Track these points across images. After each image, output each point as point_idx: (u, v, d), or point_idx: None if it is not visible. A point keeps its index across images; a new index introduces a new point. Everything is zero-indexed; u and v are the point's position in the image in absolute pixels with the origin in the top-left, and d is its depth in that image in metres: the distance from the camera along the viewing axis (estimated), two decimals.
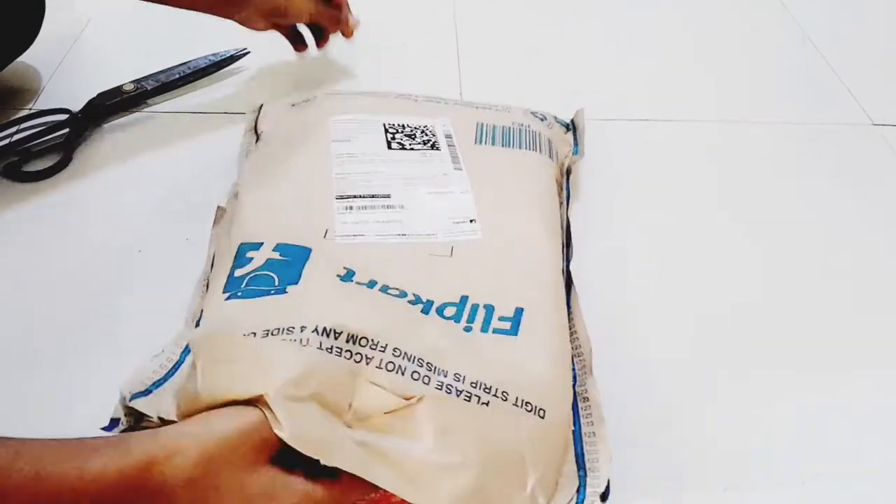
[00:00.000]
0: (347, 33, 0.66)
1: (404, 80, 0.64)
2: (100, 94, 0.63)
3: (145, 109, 0.64)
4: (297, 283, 0.42)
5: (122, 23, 0.74)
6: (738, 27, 0.83)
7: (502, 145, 0.57)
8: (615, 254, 0.56)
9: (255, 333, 0.38)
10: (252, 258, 0.44)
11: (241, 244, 0.46)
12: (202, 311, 0.45)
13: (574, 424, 0.43)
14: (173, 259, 0.51)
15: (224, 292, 0.43)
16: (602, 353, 0.45)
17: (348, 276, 0.44)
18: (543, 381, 0.43)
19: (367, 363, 0.39)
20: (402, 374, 0.39)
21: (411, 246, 0.48)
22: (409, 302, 0.44)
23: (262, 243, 0.45)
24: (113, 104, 0.62)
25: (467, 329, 0.44)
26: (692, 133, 0.68)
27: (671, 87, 0.74)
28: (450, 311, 0.45)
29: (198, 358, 0.37)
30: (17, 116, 0.60)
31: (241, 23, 0.62)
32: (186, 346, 0.42)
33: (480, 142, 0.57)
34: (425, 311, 0.44)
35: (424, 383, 0.39)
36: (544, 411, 0.41)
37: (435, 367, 0.40)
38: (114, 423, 0.38)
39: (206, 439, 0.32)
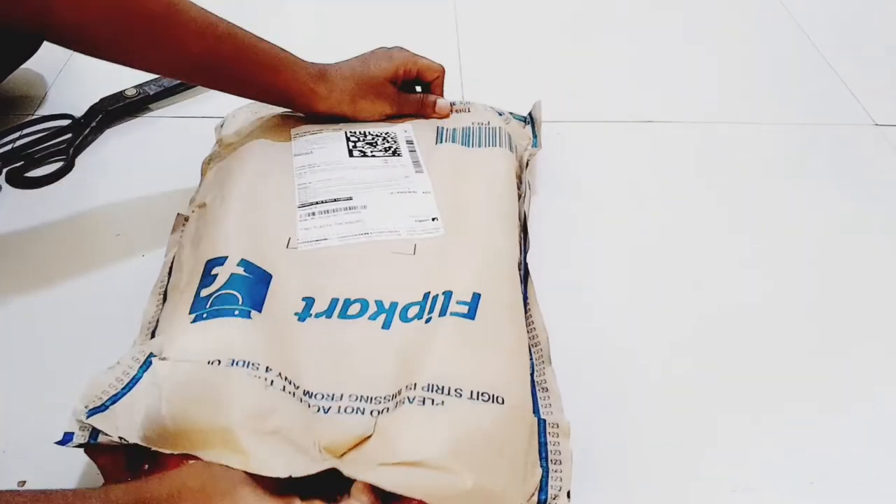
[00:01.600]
0: (436, 116, 0.62)
1: None
2: (102, 100, 0.65)
3: (148, 115, 0.67)
4: (260, 312, 0.44)
5: None
6: (738, 27, 0.84)
7: (462, 144, 0.58)
8: (609, 256, 0.57)
9: (219, 361, 0.40)
10: (216, 275, 0.46)
11: (208, 261, 0.47)
12: (158, 322, 0.47)
13: (535, 413, 0.44)
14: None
15: (190, 313, 0.44)
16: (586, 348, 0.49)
17: (306, 310, 0.46)
18: (500, 368, 0.44)
19: (327, 412, 0.41)
20: (362, 413, 0.41)
21: (375, 245, 0.50)
22: (369, 318, 0.46)
23: (226, 257, 0.47)
24: (115, 109, 0.65)
25: (428, 320, 0.46)
26: (691, 134, 0.69)
27: (671, 87, 0.75)
28: (413, 311, 0.46)
29: (163, 387, 0.39)
30: (22, 122, 0.63)
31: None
32: (145, 360, 0.42)
33: (441, 142, 0.58)
34: (386, 326, 0.46)
35: (385, 412, 0.41)
36: (503, 398, 0.42)
37: (390, 396, 0.42)
38: (68, 436, 0.39)
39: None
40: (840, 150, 0.68)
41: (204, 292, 0.45)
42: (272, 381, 0.40)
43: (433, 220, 0.52)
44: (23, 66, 0.67)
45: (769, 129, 0.70)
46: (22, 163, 0.60)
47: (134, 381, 0.41)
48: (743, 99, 0.73)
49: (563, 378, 0.46)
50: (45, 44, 0.66)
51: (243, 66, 0.53)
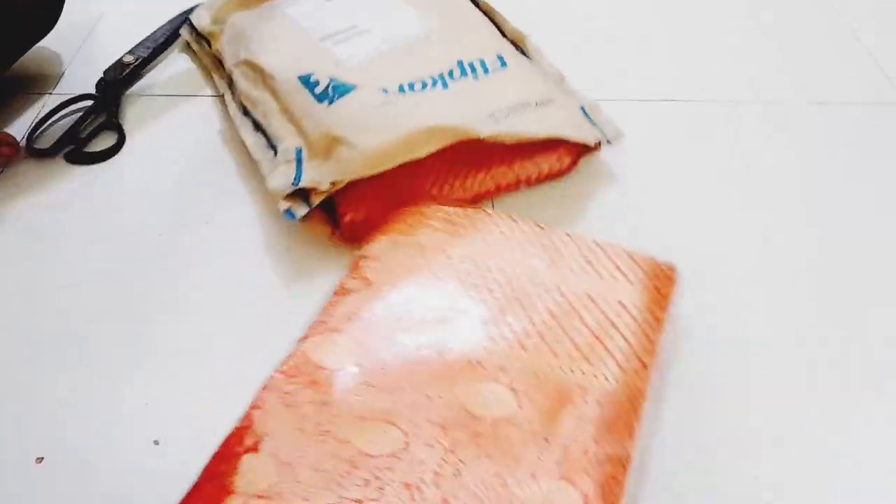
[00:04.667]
0: None
1: None
2: (106, 72, 0.71)
3: (147, 90, 0.73)
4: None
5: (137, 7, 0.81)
6: (766, 5, 0.83)
7: None
8: None
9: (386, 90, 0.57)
10: (317, 81, 0.61)
11: (299, 76, 0.62)
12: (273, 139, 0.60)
13: None
14: (234, 229, 0.58)
15: (319, 103, 0.59)
16: None
17: (389, 91, 0.61)
18: (537, 85, 0.63)
19: None
20: None
21: (401, 46, 0.66)
22: (431, 88, 0.62)
23: (313, 71, 0.61)
24: (125, 78, 0.71)
25: (475, 77, 0.64)
26: (716, 113, 0.69)
27: (694, 65, 0.74)
28: (457, 73, 0.64)
29: (344, 131, 0.54)
30: (55, 106, 0.69)
31: None
32: (296, 154, 0.58)
33: None
34: (444, 86, 0.63)
35: None
36: (551, 101, 0.61)
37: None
38: (289, 214, 0.54)
39: None
40: (869, 130, 0.68)
41: (317, 90, 0.60)
42: None
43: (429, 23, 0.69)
44: (40, 44, 0.71)
45: (796, 106, 0.70)
46: (76, 144, 0.66)
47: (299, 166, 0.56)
48: (772, 77, 0.73)
49: None
50: (62, 21, 0.70)
51: None
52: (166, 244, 0.58)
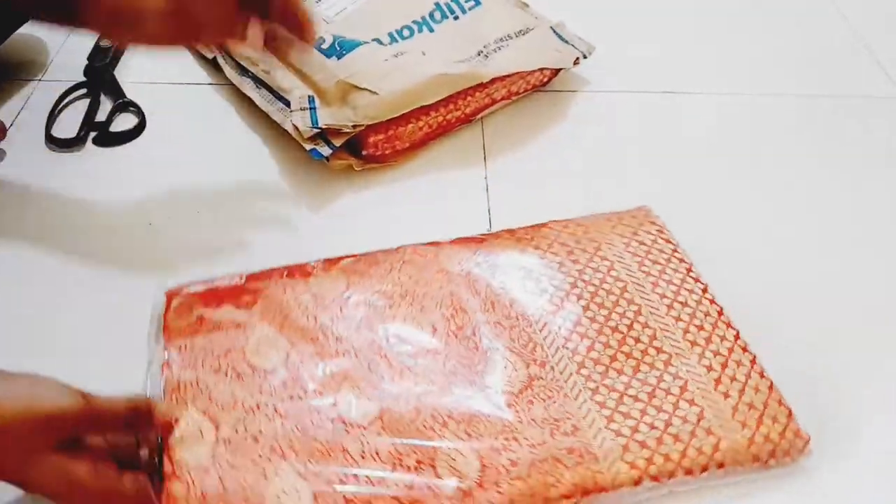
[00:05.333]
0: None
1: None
2: (90, 58, 0.74)
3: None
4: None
5: None
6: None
7: None
8: None
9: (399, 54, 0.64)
10: (323, 39, 0.67)
11: None
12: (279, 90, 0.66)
13: None
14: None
15: (328, 58, 0.66)
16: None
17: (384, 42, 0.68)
18: (512, 16, 0.71)
19: None
20: None
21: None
22: (419, 32, 0.69)
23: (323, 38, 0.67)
24: (111, 60, 0.74)
25: (454, 18, 0.71)
26: (713, 104, 0.71)
27: (692, 58, 0.76)
28: (437, 15, 0.72)
29: (362, 81, 0.62)
30: (59, 96, 0.71)
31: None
32: (309, 103, 0.64)
33: None
34: (430, 30, 0.70)
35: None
36: (528, 29, 0.70)
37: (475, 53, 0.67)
38: (316, 153, 0.61)
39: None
40: (867, 123, 0.70)
41: (324, 46, 0.66)
42: None
43: None
44: (27, 31, 0.72)
45: (794, 100, 0.72)
46: (98, 128, 0.69)
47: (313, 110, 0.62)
48: (768, 70, 0.75)
49: None
50: None
51: None
52: (209, 193, 0.64)
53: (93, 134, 0.69)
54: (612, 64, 0.74)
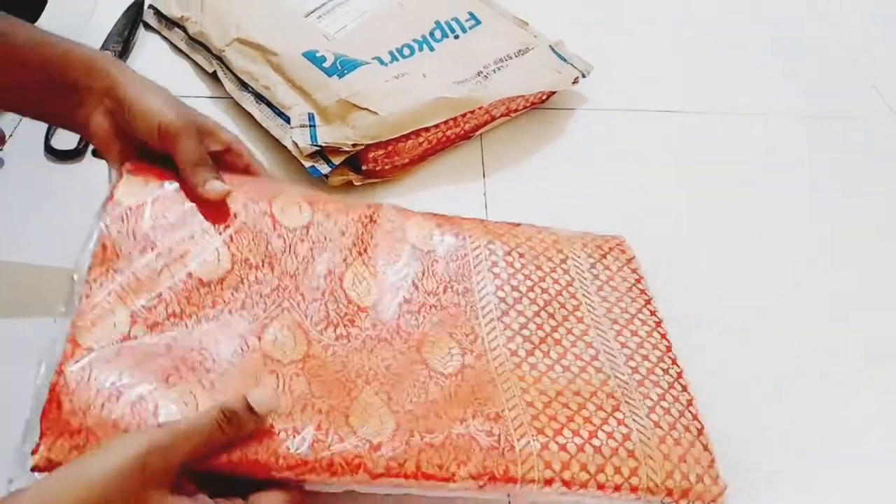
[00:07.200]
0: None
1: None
2: None
3: None
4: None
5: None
6: (760, 20, 0.86)
7: None
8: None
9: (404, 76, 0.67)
10: (324, 57, 0.67)
11: (303, 53, 0.68)
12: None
13: None
14: None
15: (329, 77, 0.66)
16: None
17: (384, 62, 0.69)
18: (512, 35, 0.72)
19: None
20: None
21: (380, 15, 0.72)
22: (419, 51, 0.70)
23: (317, 49, 0.67)
24: None
25: (455, 37, 0.72)
26: (711, 125, 0.72)
27: (692, 78, 0.77)
28: (438, 34, 0.72)
29: (364, 101, 0.63)
30: None
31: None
32: (310, 122, 0.64)
33: None
34: (431, 49, 0.71)
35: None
36: (528, 48, 0.71)
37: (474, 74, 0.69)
38: (314, 170, 0.62)
39: (79, 491, 0.33)
40: (860, 143, 0.71)
41: (325, 65, 0.67)
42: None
43: None
44: None
45: (787, 121, 0.73)
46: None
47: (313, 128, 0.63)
48: (761, 91, 0.76)
49: None
50: (54, 17, 0.71)
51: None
52: None
53: (92, 146, 0.69)
54: (610, 82, 0.75)
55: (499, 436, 0.43)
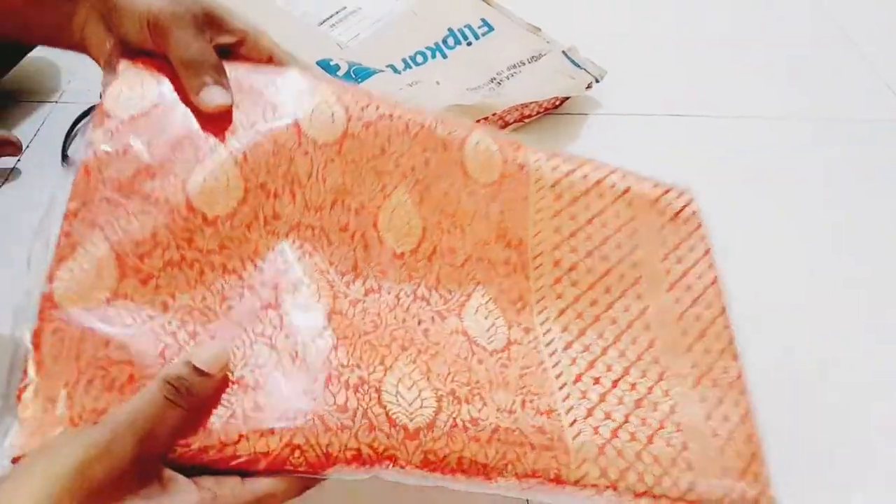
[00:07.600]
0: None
1: None
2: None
3: None
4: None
5: None
6: (772, 22, 0.86)
7: None
8: None
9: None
10: (338, 66, 0.68)
11: (317, 62, 0.69)
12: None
13: None
14: None
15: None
16: None
17: (397, 70, 0.69)
18: (525, 42, 0.73)
19: None
20: None
21: (392, 24, 0.73)
22: (431, 59, 0.70)
23: (330, 57, 0.68)
24: None
25: (468, 44, 0.72)
26: (721, 129, 0.72)
27: (701, 82, 0.77)
28: (451, 41, 0.73)
29: None
30: (77, 116, 0.71)
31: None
32: None
33: None
34: (444, 56, 0.71)
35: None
36: (541, 55, 0.71)
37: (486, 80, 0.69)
38: None
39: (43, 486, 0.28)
40: (876, 147, 0.71)
41: (340, 73, 0.67)
42: None
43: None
44: (43, 55, 0.73)
45: (802, 125, 0.73)
46: None
47: None
48: (777, 94, 0.76)
49: None
50: None
51: None
52: None
53: None
54: (623, 87, 0.75)
55: (551, 434, 0.38)
